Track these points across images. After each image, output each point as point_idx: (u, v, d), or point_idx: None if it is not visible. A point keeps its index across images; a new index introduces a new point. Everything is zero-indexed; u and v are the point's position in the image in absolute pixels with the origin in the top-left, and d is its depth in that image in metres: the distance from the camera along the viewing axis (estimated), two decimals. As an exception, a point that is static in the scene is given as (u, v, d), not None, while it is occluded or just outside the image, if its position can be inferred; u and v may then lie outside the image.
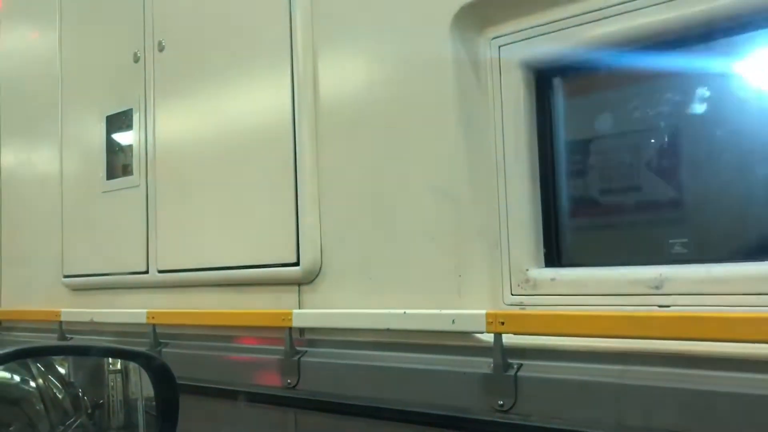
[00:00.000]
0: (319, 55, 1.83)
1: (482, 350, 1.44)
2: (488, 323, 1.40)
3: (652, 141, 1.44)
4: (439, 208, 1.57)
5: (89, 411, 1.31)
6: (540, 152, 1.55)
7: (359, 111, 1.74)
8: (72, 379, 1.33)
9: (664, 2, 1.34)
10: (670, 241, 1.38)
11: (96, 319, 2.36)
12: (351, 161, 1.75)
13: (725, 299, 1.25)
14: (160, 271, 2.20)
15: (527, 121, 1.55)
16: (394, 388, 1.56)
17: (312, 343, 1.79)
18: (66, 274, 2.59)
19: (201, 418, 1.88)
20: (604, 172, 1.50)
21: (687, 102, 1.41)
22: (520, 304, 1.51)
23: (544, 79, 1.56)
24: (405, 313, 1.55)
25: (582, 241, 1.57)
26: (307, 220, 1.81)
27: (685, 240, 1.37)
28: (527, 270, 1.52)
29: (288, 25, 1.86)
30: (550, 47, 1.50)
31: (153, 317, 2.13)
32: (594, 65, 1.49)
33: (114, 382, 1.31)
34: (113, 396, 1.30)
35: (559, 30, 1.48)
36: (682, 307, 1.29)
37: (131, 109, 2.34)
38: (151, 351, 2.01)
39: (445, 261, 1.55)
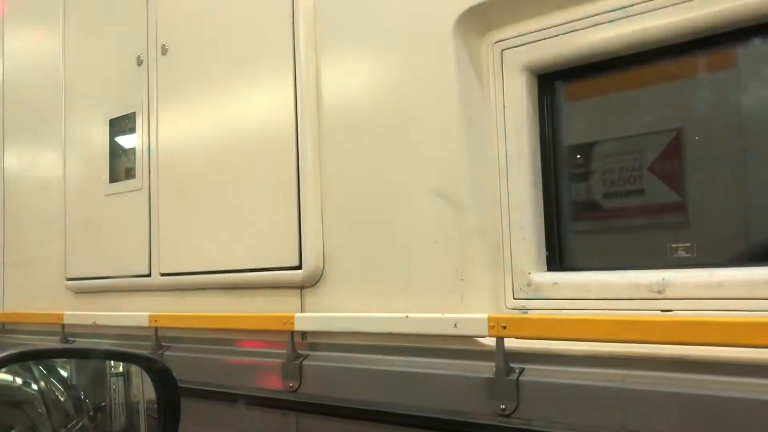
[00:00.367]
0: (322, 59, 1.83)
1: (484, 354, 1.44)
2: (490, 327, 1.40)
3: (654, 145, 1.44)
4: (441, 212, 1.57)
5: (91, 414, 1.31)
6: (542, 156, 1.55)
7: (362, 115, 1.75)
8: (74, 382, 1.33)
9: (665, 7, 1.35)
10: (673, 245, 1.38)
11: (98, 322, 2.37)
12: (353, 165, 1.75)
13: (727, 304, 1.25)
14: (162, 274, 2.21)
15: (529, 124, 1.55)
16: (396, 391, 1.56)
17: (314, 347, 1.79)
18: (69, 276, 2.59)
19: (202, 421, 1.89)
20: (606, 175, 1.50)
21: (689, 106, 1.42)
22: (522, 308, 1.51)
23: (546, 83, 1.56)
24: (407, 316, 1.55)
25: (584, 245, 1.57)
26: (310, 223, 1.81)
27: (687, 244, 1.37)
28: (529, 274, 1.52)
29: (291, 29, 1.87)
30: (552, 51, 1.51)
31: (155, 320, 2.14)
32: (596, 69, 1.49)
33: (116, 385, 1.31)
34: (115, 399, 1.30)
35: (561, 34, 1.48)
36: (685, 312, 1.28)
37: (134, 113, 2.34)
38: (153, 354, 2.01)
39: (447, 264, 1.55)
